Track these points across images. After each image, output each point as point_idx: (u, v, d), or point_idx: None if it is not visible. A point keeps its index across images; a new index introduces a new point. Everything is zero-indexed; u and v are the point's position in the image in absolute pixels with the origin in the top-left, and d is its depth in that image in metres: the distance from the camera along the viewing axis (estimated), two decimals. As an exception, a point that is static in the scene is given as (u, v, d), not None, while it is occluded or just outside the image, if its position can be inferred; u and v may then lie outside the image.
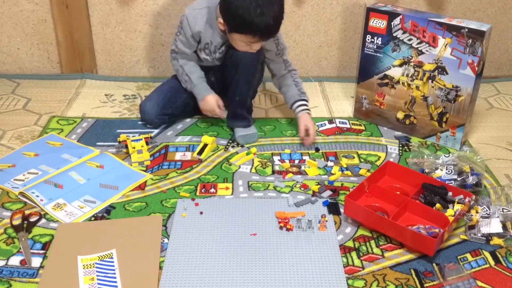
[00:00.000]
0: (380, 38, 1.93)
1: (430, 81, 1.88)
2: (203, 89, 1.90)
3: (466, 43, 1.75)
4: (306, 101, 1.93)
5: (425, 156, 1.76)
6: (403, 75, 1.94)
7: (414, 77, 1.91)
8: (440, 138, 1.94)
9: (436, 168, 1.69)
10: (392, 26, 1.89)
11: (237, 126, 1.93)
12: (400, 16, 1.86)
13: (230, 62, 1.85)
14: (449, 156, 1.73)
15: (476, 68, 1.76)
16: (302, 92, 1.93)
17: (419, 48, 1.86)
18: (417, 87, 1.92)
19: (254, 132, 1.92)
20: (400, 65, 1.93)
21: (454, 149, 1.91)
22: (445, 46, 1.80)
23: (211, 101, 1.88)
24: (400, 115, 2.00)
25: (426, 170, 1.70)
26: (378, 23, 1.92)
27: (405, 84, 1.95)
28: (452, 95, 1.85)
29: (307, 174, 1.75)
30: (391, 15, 1.88)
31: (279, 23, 1.69)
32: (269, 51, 1.88)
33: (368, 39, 1.96)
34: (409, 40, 1.87)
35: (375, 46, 1.96)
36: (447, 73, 1.83)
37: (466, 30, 1.74)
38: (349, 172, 1.75)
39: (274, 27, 1.68)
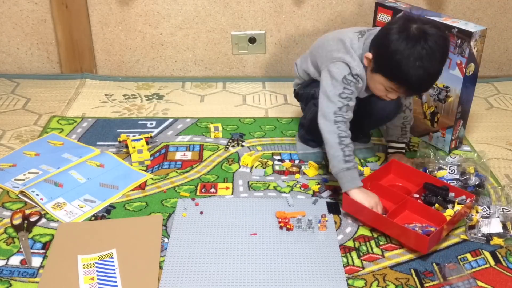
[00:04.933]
0: None
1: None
2: (356, 177, 1.53)
3: (455, 43, 1.74)
4: (404, 143, 1.80)
5: (431, 157, 1.75)
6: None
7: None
8: (432, 138, 1.94)
9: (440, 168, 1.68)
10: None
11: (358, 141, 1.81)
12: (402, 13, 1.86)
13: (364, 110, 1.67)
14: (455, 157, 1.72)
15: (464, 69, 1.74)
16: (404, 136, 1.79)
17: None
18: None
19: (372, 146, 1.86)
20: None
21: (444, 152, 1.90)
22: None
23: (374, 198, 1.52)
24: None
25: (429, 169, 1.70)
26: (384, 18, 1.92)
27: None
28: (443, 95, 1.84)
29: (306, 174, 1.75)
30: (395, 11, 1.89)
31: (433, 82, 1.50)
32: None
33: None
34: (409, 36, 1.87)
35: None
36: None
37: (456, 30, 1.73)
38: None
39: (427, 84, 1.49)
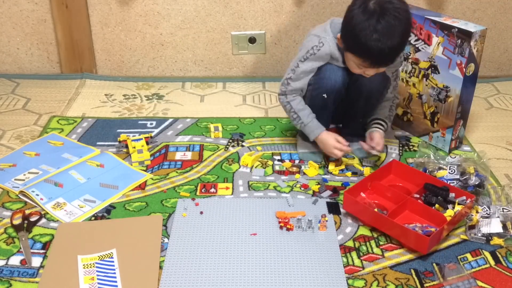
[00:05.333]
0: None
1: (424, 79, 1.88)
2: (314, 127, 1.73)
3: (455, 43, 1.74)
4: (386, 123, 1.81)
5: (431, 157, 1.75)
6: (402, 71, 1.94)
7: (411, 74, 1.92)
8: (432, 138, 1.94)
9: (440, 168, 1.68)
10: None
11: (355, 141, 1.83)
12: None
13: (354, 87, 1.73)
14: (455, 157, 1.72)
15: (464, 69, 1.74)
16: (388, 117, 1.82)
17: (416, 45, 1.86)
18: (414, 84, 1.93)
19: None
20: (401, 61, 1.94)
21: (444, 152, 1.90)
22: (438, 45, 1.79)
23: (328, 141, 1.71)
24: (399, 111, 2.01)
25: (429, 169, 1.70)
26: None
27: (404, 80, 1.95)
28: (443, 95, 1.84)
29: (306, 174, 1.75)
30: None
31: (395, 55, 1.58)
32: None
33: None
34: (409, 36, 1.88)
35: None
36: (438, 72, 1.83)
37: (456, 30, 1.73)
38: (349, 173, 1.75)
39: (388, 56, 1.56)
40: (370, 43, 1.51)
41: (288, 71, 1.74)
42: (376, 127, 1.79)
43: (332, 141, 1.71)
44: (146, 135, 1.88)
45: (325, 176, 1.74)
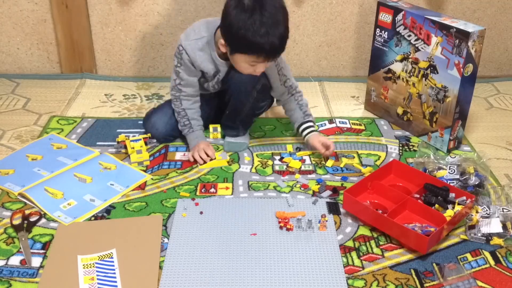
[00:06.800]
0: (386, 32, 1.95)
1: (424, 79, 1.88)
2: (200, 136, 1.83)
3: (454, 43, 1.74)
4: (312, 121, 1.86)
5: (431, 156, 1.75)
6: (403, 71, 1.95)
7: (411, 74, 1.92)
8: (431, 138, 1.94)
9: (440, 168, 1.68)
10: (396, 21, 1.90)
11: (228, 135, 1.89)
12: (403, 12, 1.87)
13: (225, 88, 1.81)
14: (455, 157, 1.73)
15: (462, 69, 1.74)
16: (307, 114, 1.85)
17: (416, 45, 1.86)
18: (414, 84, 1.93)
19: (242, 142, 1.87)
20: (401, 61, 1.94)
21: (442, 152, 1.90)
22: (437, 45, 1.79)
23: (200, 148, 1.79)
24: (400, 110, 2.02)
25: (429, 169, 1.70)
26: (385, 17, 1.94)
27: (404, 80, 1.95)
28: (441, 95, 1.84)
29: (306, 174, 1.75)
30: (396, 10, 1.89)
31: (284, 43, 1.59)
32: (271, 77, 1.79)
33: (378, 33, 1.99)
34: (409, 36, 1.88)
35: (382, 40, 1.98)
36: (437, 72, 1.83)
37: (454, 30, 1.73)
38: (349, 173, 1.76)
39: (279, 46, 1.58)
40: (260, 39, 1.53)
41: (174, 76, 1.78)
42: (309, 132, 1.83)
43: (201, 151, 1.78)
44: (145, 136, 1.88)
45: (322, 177, 1.74)
